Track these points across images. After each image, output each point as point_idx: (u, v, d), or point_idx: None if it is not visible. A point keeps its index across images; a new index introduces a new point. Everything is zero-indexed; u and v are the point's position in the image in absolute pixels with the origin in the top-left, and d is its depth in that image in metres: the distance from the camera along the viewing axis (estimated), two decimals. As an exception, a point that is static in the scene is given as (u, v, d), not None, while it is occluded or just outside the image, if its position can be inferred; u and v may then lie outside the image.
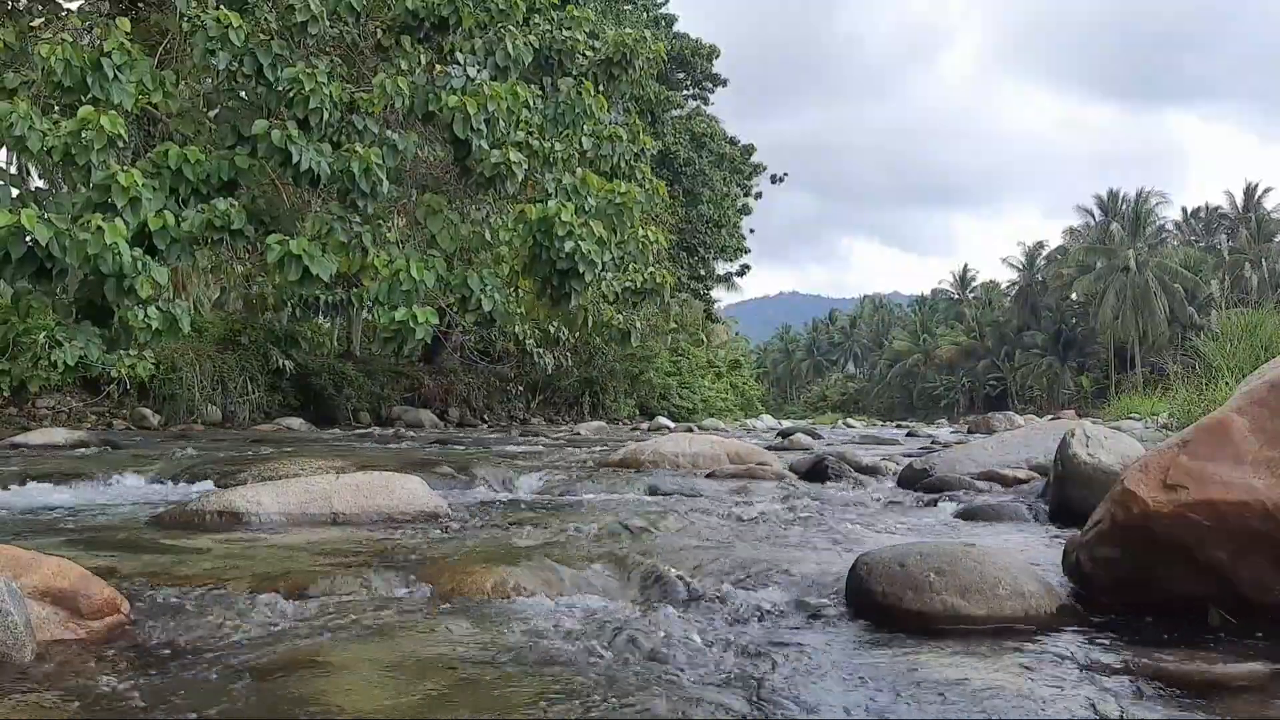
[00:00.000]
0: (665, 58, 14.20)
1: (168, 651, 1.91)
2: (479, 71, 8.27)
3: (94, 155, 6.23)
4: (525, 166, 8.12)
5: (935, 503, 4.58)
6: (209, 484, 5.19)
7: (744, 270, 38.86)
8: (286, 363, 18.50)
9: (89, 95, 6.57)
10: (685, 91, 34.47)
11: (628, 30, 10.65)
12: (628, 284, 10.36)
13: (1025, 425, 9.74)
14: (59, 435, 9.31)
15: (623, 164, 9.83)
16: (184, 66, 7.98)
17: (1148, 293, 59.88)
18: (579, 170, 8.56)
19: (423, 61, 8.20)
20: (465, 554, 2.96)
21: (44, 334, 11.58)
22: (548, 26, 9.68)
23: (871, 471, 6.31)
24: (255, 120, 7.24)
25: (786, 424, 24.98)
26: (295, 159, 7.06)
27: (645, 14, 31.61)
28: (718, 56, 34.82)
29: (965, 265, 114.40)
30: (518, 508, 4.51)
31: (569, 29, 9.73)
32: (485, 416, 23.61)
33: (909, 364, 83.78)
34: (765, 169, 37.86)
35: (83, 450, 8.30)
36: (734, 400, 39.51)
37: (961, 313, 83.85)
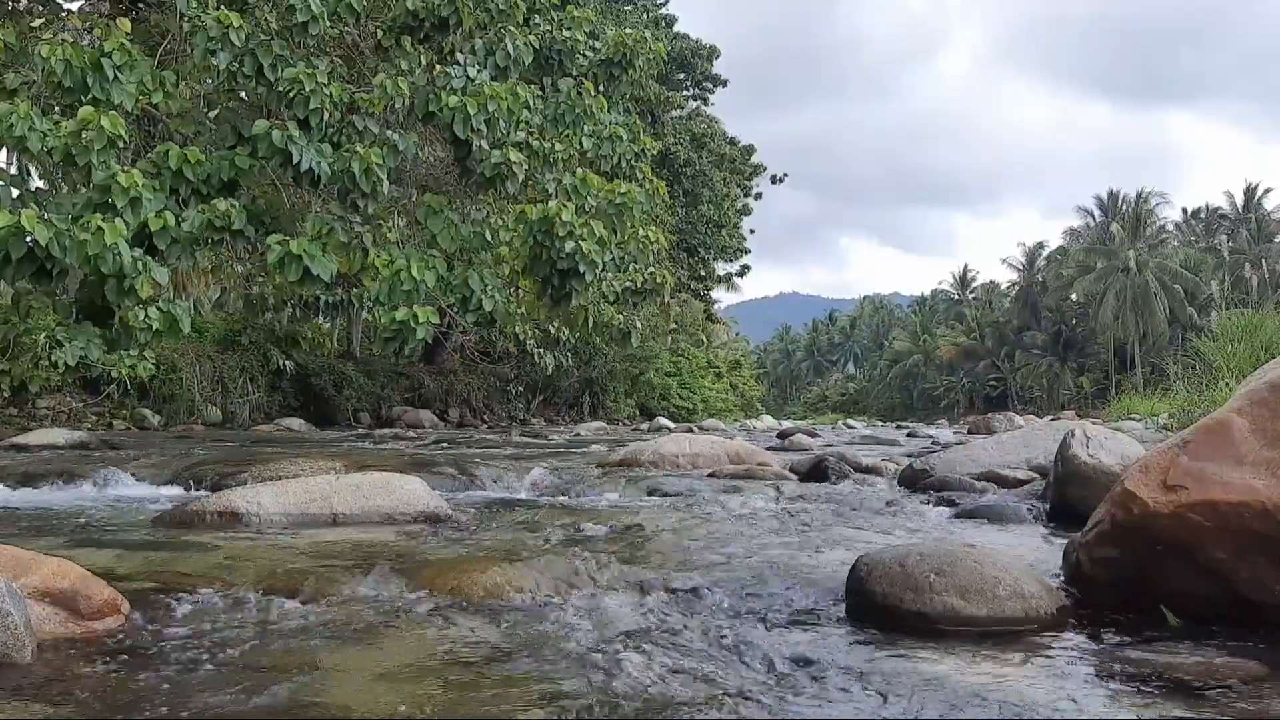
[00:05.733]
0: (665, 58, 14.19)
1: (168, 652, 1.91)
2: (479, 72, 8.27)
3: (94, 155, 6.23)
4: (525, 166, 8.12)
5: (935, 503, 4.58)
6: (209, 484, 5.19)
7: (744, 271, 38.85)
8: (286, 363, 18.50)
9: (89, 95, 6.57)
10: (685, 92, 34.45)
11: (628, 30, 10.64)
12: (628, 284, 10.35)
13: (1025, 426, 9.72)
14: (59, 435, 9.29)
15: (623, 164, 9.83)
16: (184, 66, 7.98)
17: (1148, 293, 59.86)
18: (579, 170, 8.55)
19: (423, 62, 8.20)
20: (465, 554, 2.96)
21: (44, 334, 11.61)
22: (548, 27, 9.67)
23: (871, 472, 6.30)
24: (255, 120, 7.24)
25: (786, 424, 24.97)
26: (295, 159, 7.06)
27: (645, 14, 31.61)
28: (718, 57, 34.82)
29: (965, 265, 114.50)
30: (518, 508, 4.51)
31: (569, 29, 9.72)
32: (485, 417, 23.61)
33: (909, 364, 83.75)
34: (765, 169, 37.85)
35: (83, 451, 8.30)
36: (734, 401, 39.49)
37: (961, 313, 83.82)
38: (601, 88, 9.75)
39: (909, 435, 16.81)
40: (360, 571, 2.61)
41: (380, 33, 8.56)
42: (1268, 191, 64.37)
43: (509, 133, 8.05)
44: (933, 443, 11.64)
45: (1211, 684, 1.71)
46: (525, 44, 8.70)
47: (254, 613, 2.21)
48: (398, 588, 2.48)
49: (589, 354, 25.36)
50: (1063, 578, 2.47)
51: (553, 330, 13.62)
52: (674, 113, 31.19)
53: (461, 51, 8.36)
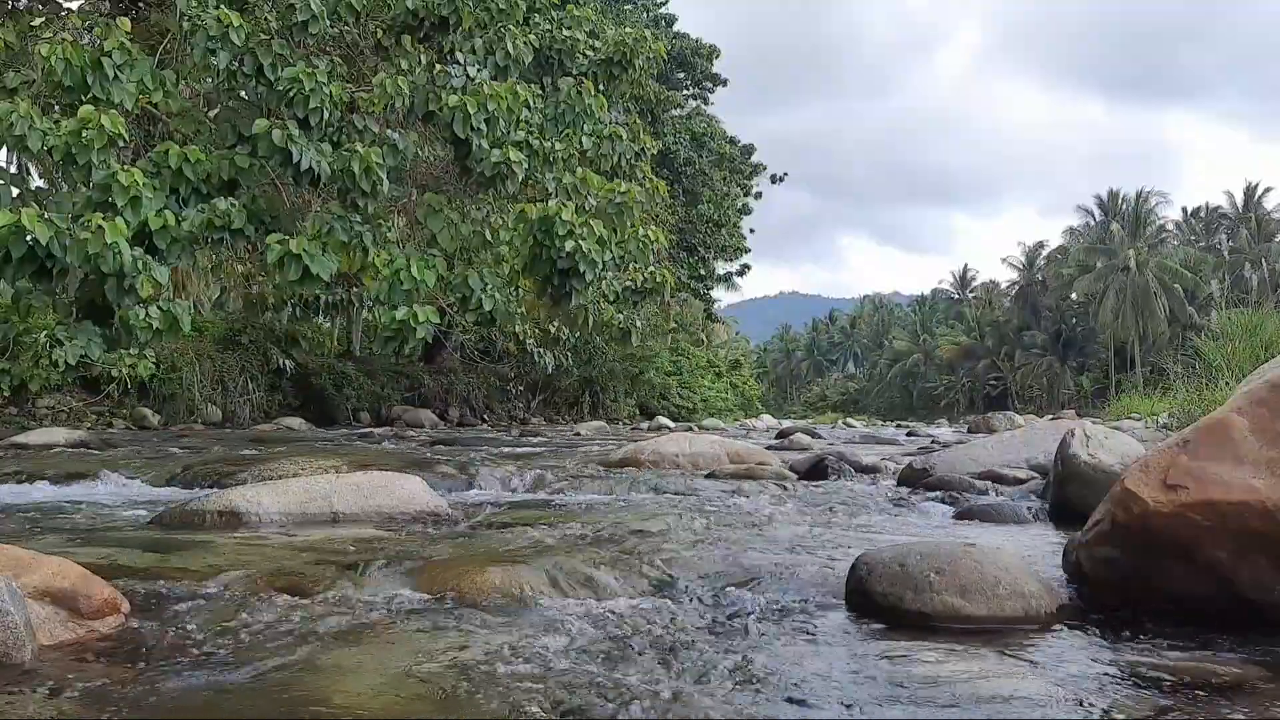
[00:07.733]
0: (665, 57, 14.20)
1: (168, 651, 1.91)
2: (479, 71, 8.28)
3: (94, 155, 6.24)
4: (525, 166, 8.12)
5: (935, 502, 4.58)
6: (209, 484, 5.19)
7: (744, 270, 38.92)
8: (286, 362, 18.51)
9: (89, 95, 6.58)
10: (685, 91, 34.48)
11: (628, 30, 10.65)
12: (628, 283, 10.36)
13: (1025, 425, 9.74)
14: (59, 435, 9.30)
15: (623, 163, 9.84)
16: (184, 66, 7.99)
17: (1148, 293, 59.87)
18: (579, 170, 8.56)
19: (423, 61, 8.20)
20: (465, 554, 2.96)
21: (44, 333, 11.61)
22: (548, 26, 9.68)
23: (871, 471, 6.30)
24: (255, 120, 7.24)
25: (786, 424, 24.98)
26: (295, 159, 7.06)
27: (645, 14, 31.64)
28: (718, 57, 34.85)
29: (965, 265, 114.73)
30: (517, 508, 4.51)
31: (569, 29, 9.73)
32: (485, 416, 23.61)
33: (909, 364, 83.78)
34: (765, 169, 37.89)
35: (83, 450, 8.30)
36: (734, 400, 39.53)
37: (961, 313, 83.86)
38: (601, 87, 9.75)
39: (909, 435, 16.82)
40: (360, 571, 2.61)
41: (380, 32, 8.57)
42: (1268, 191, 64.49)
43: (509, 132, 8.06)
44: (933, 442, 11.64)
45: (1211, 684, 1.71)
46: (525, 43, 8.71)
47: (254, 612, 2.21)
48: (398, 587, 2.48)
49: (589, 353, 25.37)
50: (1063, 577, 2.47)
51: (553, 330, 13.63)
52: (674, 112, 31.21)
53: (461, 51, 8.37)
